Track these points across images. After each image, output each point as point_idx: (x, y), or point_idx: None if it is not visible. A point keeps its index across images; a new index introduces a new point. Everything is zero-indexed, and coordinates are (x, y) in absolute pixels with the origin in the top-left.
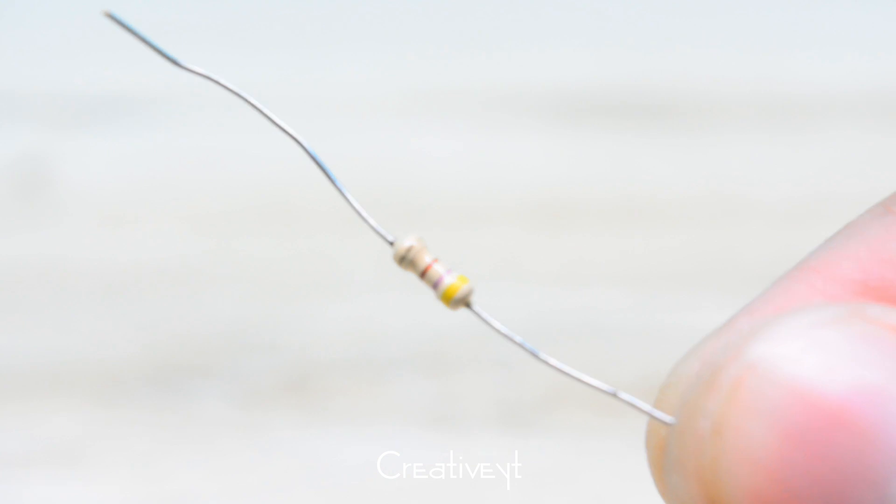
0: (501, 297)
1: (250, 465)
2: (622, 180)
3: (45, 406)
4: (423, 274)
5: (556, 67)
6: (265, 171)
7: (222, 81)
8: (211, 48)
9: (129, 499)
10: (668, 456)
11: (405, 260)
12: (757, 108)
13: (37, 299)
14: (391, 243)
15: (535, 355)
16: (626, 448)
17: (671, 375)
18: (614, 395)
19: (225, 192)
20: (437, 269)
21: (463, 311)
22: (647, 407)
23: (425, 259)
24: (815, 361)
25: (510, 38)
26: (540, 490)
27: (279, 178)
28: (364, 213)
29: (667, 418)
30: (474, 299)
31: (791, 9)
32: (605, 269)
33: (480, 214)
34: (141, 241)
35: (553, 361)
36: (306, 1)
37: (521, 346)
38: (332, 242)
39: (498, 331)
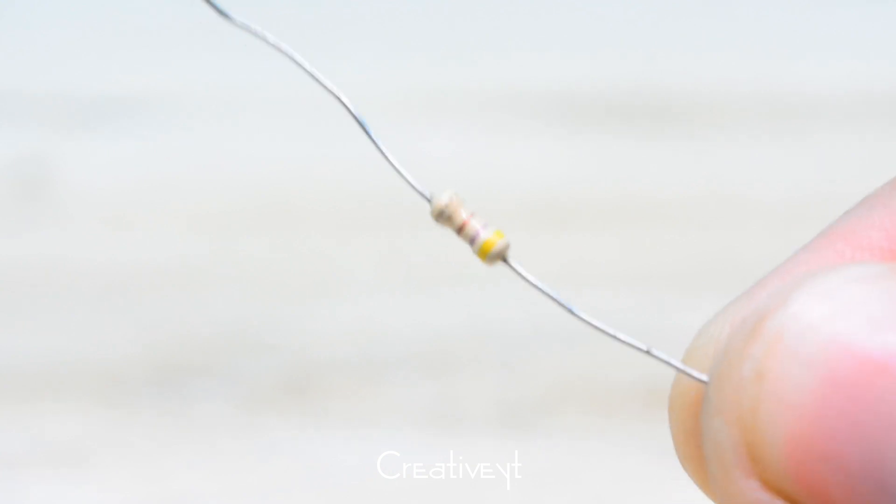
0: (501, 296)
1: (251, 465)
2: (622, 181)
3: (45, 406)
4: (459, 229)
5: (556, 69)
6: (265, 171)
7: (269, 38)
8: (213, 48)
9: (129, 499)
10: (706, 405)
11: (443, 215)
12: (756, 110)
13: (37, 299)
14: (428, 200)
15: (570, 311)
16: (626, 448)
17: (699, 337)
18: (648, 353)
19: (225, 192)
20: (474, 225)
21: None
22: (681, 364)
23: (462, 214)
24: (857, 314)
25: (510, 39)
26: (540, 490)
27: (279, 178)
28: (401, 169)
29: (701, 376)
30: (510, 254)
31: (791, 11)
32: (606, 269)
33: (480, 215)
34: (141, 241)
35: (589, 318)
36: (307, 1)
37: (557, 301)
38: (332, 242)
39: (534, 285)
